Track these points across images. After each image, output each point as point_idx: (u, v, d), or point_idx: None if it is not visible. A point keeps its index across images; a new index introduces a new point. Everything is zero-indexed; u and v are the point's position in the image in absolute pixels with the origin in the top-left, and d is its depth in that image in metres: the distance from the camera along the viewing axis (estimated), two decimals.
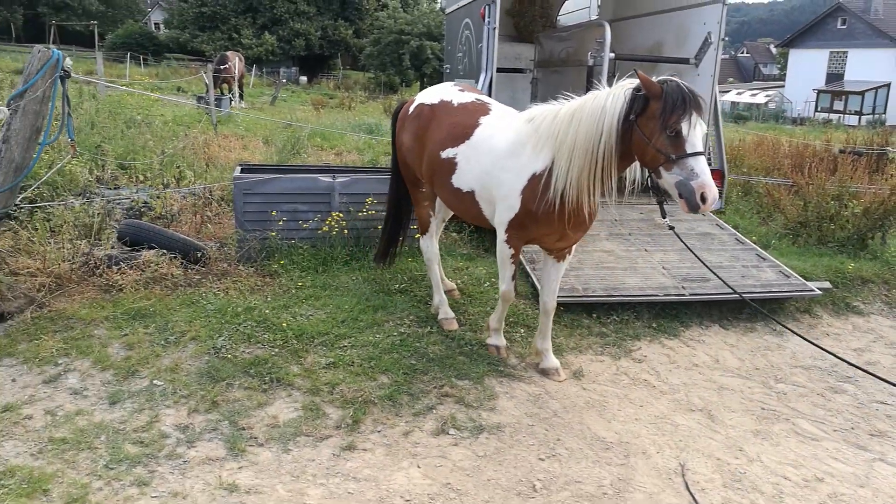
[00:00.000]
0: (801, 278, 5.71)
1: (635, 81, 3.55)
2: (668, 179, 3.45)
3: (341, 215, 5.98)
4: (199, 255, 5.49)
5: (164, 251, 5.38)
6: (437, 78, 47.60)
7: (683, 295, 5.44)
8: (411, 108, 4.96)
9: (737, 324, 5.48)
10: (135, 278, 5.12)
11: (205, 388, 3.99)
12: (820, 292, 5.61)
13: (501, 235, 4.25)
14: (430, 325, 4.95)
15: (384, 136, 13.51)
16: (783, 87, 52.98)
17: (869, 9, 49.83)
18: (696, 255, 4.45)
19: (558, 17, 10.94)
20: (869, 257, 6.35)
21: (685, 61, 7.18)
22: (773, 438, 3.95)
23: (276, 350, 4.44)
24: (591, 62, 7.24)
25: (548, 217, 3.94)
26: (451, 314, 5.06)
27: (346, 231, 5.98)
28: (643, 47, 8.44)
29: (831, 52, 50.97)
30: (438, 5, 54.50)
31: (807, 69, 51.15)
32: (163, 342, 4.45)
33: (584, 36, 8.92)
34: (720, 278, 4.48)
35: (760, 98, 48.03)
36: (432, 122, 4.69)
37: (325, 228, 5.91)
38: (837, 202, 6.67)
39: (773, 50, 73.25)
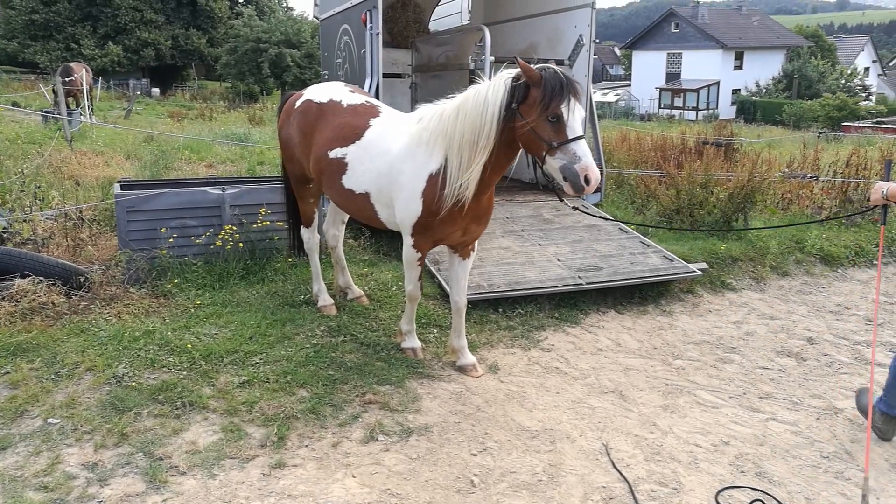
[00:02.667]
0: (682, 261, 6.15)
1: (514, 71, 3.66)
2: (553, 164, 3.56)
3: (234, 228, 5.74)
4: (81, 279, 5.06)
5: (41, 278, 4.90)
6: (298, 86, 46.65)
7: (580, 284, 5.70)
8: (298, 103, 4.89)
9: (630, 308, 5.82)
10: (9, 310, 4.63)
11: (110, 421, 3.69)
12: (700, 273, 6.08)
13: (408, 240, 4.24)
14: (343, 334, 4.86)
15: (254, 146, 13.10)
16: (630, 86, 56.79)
17: (697, 15, 54.60)
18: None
19: (430, 23, 11.11)
20: (735, 238, 6.96)
21: (560, 62, 7.53)
22: (680, 411, 4.23)
23: (185, 373, 4.18)
24: (472, 65, 7.42)
25: (450, 214, 3.98)
26: (331, 300, 5.26)
27: (240, 244, 5.74)
28: (517, 50, 8.74)
29: (668, 54, 55.29)
30: (295, 13, 53.56)
31: (648, 69, 55.20)
32: (52, 376, 4.07)
33: (464, 40, 9.11)
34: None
35: (611, 97, 51.18)
36: (320, 121, 4.64)
37: (219, 243, 5.64)
38: (704, 189, 7.25)
39: (618, 52, 78.33)
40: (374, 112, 4.55)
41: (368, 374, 4.35)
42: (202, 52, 48.66)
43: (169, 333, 4.59)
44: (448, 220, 4.03)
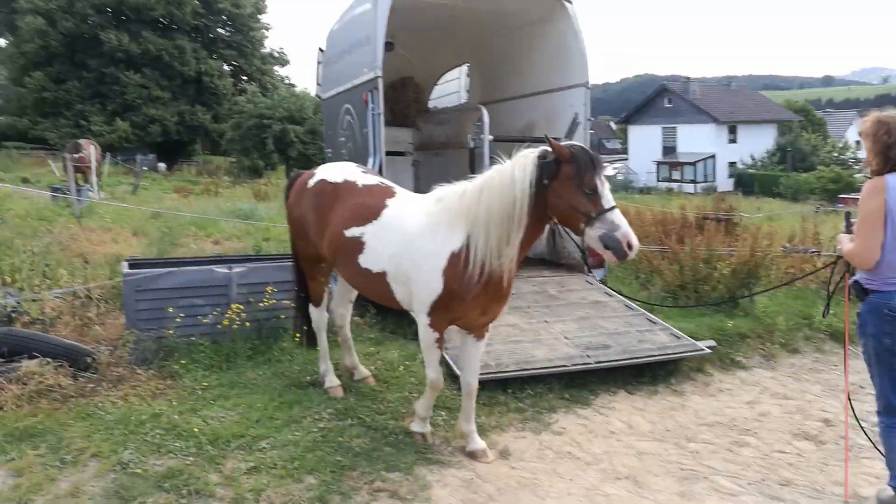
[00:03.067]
0: (690, 339, 6.12)
1: (536, 150, 3.80)
2: (592, 234, 3.65)
3: (241, 307, 5.74)
4: (89, 360, 5.03)
5: (48, 360, 4.86)
6: (302, 161, 47.59)
7: (589, 363, 5.65)
8: (311, 182, 4.91)
9: (640, 387, 5.75)
10: (16, 393, 4.58)
11: None
12: (709, 351, 6.04)
13: (424, 320, 4.19)
14: (351, 416, 4.79)
15: (261, 222, 13.23)
16: (627, 159, 57.86)
17: (688, 90, 56.19)
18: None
19: (430, 101, 11.43)
20: (742, 314, 6.95)
21: (557, 140, 7.68)
22: (697, 498, 4.12)
23: (191, 458, 4.10)
24: (472, 144, 7.59)
25: (471, 292, 3.99)
26: (337, 381, 5.24)
27: (247, 323, 5.73)
28: (515, 128, 8.97)
29: (663, 128, 56.60)
30: (298, 89, 55.04)
31: (645, 143, 56.39)
32: (58, 463, 3.98)
33: (462, 119, 9.36)
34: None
35: (609, 171, 52.02)
36: (336, 200, 4.67)
37: (226, 322, 5.63)
38: (707, 265, 7.29)
39: (613, 126, 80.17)
40: (390, 192, 4.63)
41: (377, 460, 4.26)
42: (207, 128, 49.79)
43: (176, 416, 4.52)
44: (469, 298, 4.03)
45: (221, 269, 5.93)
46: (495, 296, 4.12)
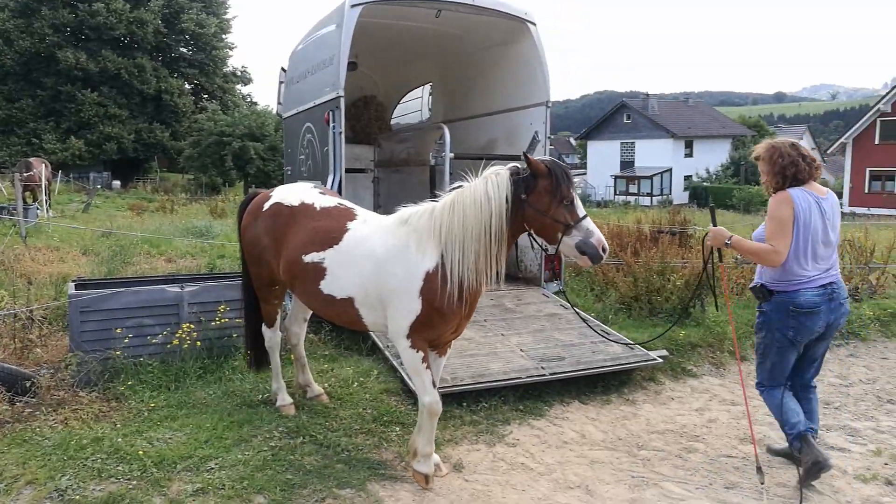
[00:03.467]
0: (643, 349, 6.21)
1: (507, 166, 3.95)
2: (569, 242, 3.83)
3: (192, 326, 5.64)
4: (27, 384, 4.87)
5: None
6: (261, 178, 47.21)
7: (544, 374, 5.68)
8: (266, 205, 4.77)
9: (594, 397, 5.80)
10: None
11: None
12: (661, 360, 6.13)
13: (405, 343, 4.08)
14: (303, 434, 4.73)
15: (216, 240, 13.06)
16: (585, 174, 58.72)
17: (647, 106, 57.45)
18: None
19: (392, 120, 11.47)
20: (693, 324, 7.07)
21: (518, 158, 7.76)
22: None
23: (134, 482, 3.99)
24: (433, 161, 7.63)
25: (452, 310, 4.00)
26: (290, 400, 5.18)
27: (198, 343, 5.62)
28: (477, 146, 9.05)
29: (622, 143, 57.68)
30: (259, 107, 54.72)
31: (603, 158, 57.38)
32: None
33: (424, 137, 9.42)
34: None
35: None
36: (292, 224, 4.56)
37: (176, 342, 5.52)
38: (661, 277, 7.41)
39: (573, 142, 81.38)
40: (350, 215, 4.50)
41: (328, 478, 4.21)
42: (165, 146, 49.10)
43: (119, 439, 4.40)
44: (448, 314, 4.02)
45: (173, 288, 5.82)
46: (469, 311, 4.15)
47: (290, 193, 4.80)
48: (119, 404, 4.98)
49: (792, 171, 4.27)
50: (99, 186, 33.45)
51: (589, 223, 3.82)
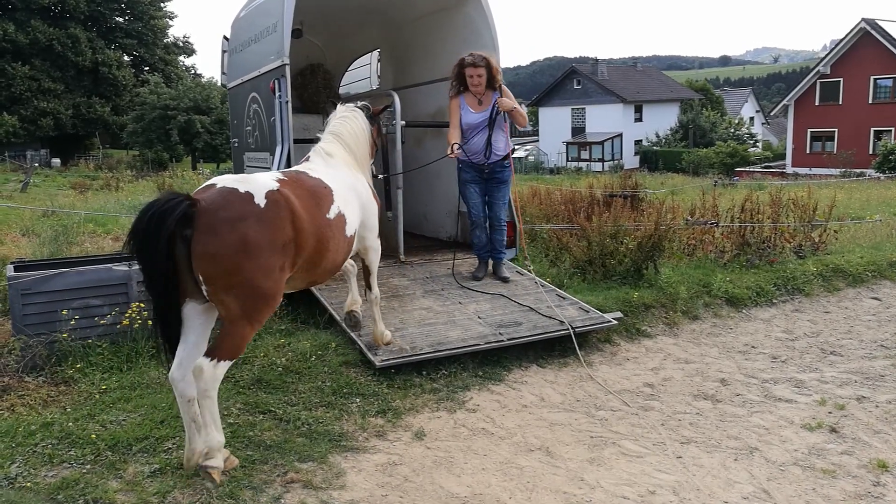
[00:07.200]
0: (598, 312, 6.30)
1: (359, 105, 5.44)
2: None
3: (142, 305, 5.48)
4: None
5: None
6: (209, 152, 46.07)
7: (502, 340, 5.72)
8: (260, 199, 3.75)
9: (551, 361, 5.88)
10: None
11: None
12: (615, 322, 6.24)
13: (377, 242, 5.25)
14: (262, 410, 4.67)
15: None
16: (538, 141, 58.99)
17: (597, 72, 57.75)
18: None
19: (341, 88, 11.24)
20: (647, 286, 7.20)
21: None
22: (606, 463, 4.26)
23: (88, 467, 3.89)
24: (384, 130, 7.51)
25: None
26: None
27: (149, 322, 5.47)
28: (426, 113, 8.94)
29: (573, 109, 57.99)
30: (205, 79, 53.15)
31: (555, 124, 57.66)
32: None
33: (374, 105, 9.22)
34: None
35: (521, 153, 52.89)
36: (301, 201, 4.04)
37: (126, 322, 5.37)
38: (614, 240, 7.51)
39: (525, 108, 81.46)
40: (302, 172, 4.50)
41: (289, 452, 4.18)
42: (106, 121, 47.42)
43: (70, 424, 4.28)
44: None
45: (120, 267, 5.64)
46: None
47: (262, 182, 3.92)
48: (68, 388, 4.84)
49: None
50: (37, 165, 32.15)
51: None
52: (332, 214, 4.34)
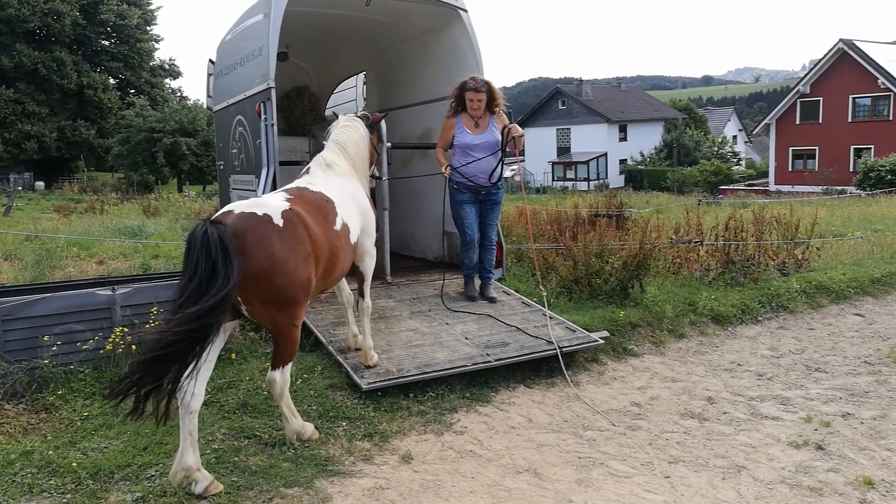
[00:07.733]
0: (584, 331, 6.31)
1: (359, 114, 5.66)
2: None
3: (126, 330, 5.43)
4: None
5: None
6: (195, 174, 45.96)
7: (489, 361, 5.71)
8: (278, 220, 4.01)
9: (539, 381, 5.87)
10: None
11: None
12: (602, 341, 6.25)
13: (374, 249, 5.39)
14: (247, 435, 4.62)
15: (149, 239, 12.66)
16: (524, 160, 59.31)
17: (581, 92, 58.34)
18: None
19: (326, 110, 11.29)
20: (633, 304, 7.23)
21: None
22: (594, 484, 4.24)
23: (69, 496, 3.82)
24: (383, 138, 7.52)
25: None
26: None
27: (133, 347, 5.42)
28: (413, 135, 8.99)
29: (557, 129, 58.48)
30: (190, 102, 53.18)
31: (540, 144, 58.05)
32: None
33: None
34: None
35: (507, 172, 53.08)
36: (311, 217, 4.29)
37: (109, 347, 5.31)
38: (600, 259, 7.55)
39: None
40: (304, 187, 4.75)
41: (275, 477, 4.13)
42: (91, 144, 47.24)
43: (51, 452, 4.21)
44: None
45: (104, 291, 5.60)
46: None
47: (274, 202, 4.22)
48: (49, 415, 4.76)
49: None
50: (20, 188, 31.90)
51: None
52: (338, 226, 4.62)
